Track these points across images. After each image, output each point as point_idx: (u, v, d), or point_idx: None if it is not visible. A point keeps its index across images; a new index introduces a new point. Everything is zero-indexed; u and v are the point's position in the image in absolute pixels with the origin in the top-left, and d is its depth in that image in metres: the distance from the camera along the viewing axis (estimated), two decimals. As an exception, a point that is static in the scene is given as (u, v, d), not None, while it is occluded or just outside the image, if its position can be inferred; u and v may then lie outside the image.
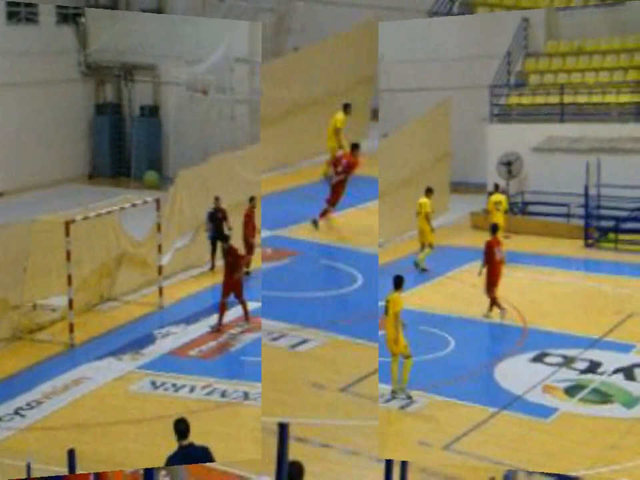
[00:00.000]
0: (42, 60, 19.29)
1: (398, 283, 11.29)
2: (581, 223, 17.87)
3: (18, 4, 19.11)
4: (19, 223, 13.17)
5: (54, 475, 8.82)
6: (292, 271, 14.91)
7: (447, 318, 13.58)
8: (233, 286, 13.10)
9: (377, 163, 17.01)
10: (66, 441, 9.88)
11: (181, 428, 8.05)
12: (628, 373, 12.24)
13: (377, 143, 18.38)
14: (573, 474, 9.96)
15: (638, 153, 18.01)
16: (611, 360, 12.54)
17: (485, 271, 13.80)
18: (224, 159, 16.16)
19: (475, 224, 17.93)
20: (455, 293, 14.64)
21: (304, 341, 12.84)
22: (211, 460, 8.20)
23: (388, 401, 11.18)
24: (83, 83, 20.33)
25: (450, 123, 18.34)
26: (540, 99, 19.70)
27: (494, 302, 13.81)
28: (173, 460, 8.07)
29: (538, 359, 12.56)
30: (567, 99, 19.21)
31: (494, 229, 14.38)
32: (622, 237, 17.52)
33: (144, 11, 21.93)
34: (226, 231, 14.41)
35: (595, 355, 12.72)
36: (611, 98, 18.97)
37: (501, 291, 14.02)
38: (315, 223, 15.94)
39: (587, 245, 17.66)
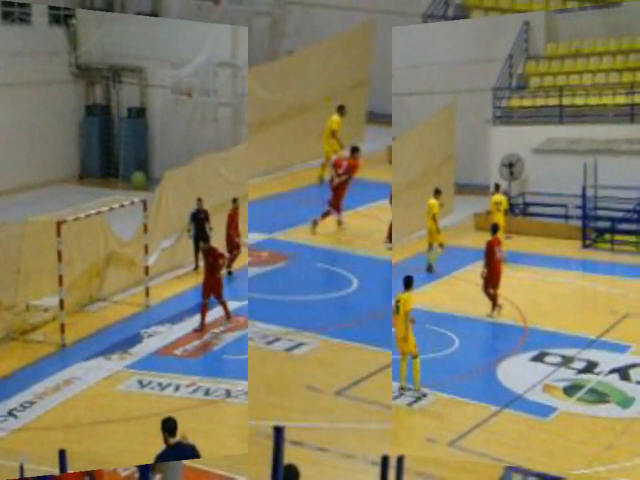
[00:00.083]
0: (34, 60, 19.47)
1: (408, 283, 11.56)
2: (579, 223, 18.10)
3: (12, 4, 19.09)
4: (13, 224, 13.35)
5: (46, 474, 8.95)
6: (288, 274, 14.99)
7: (452, 317, 13.82)
8: (213, 286, 13.28)
9: (373, 167, 17.33)
10: (57, 441, 10.03)
11: (169, 426, 8.22)
12: (623, 373, 12.40)
13: (372, 146, 18.32)
14: (573, 473, 10.06)
15: (633, 154, 18.03)
16: (607, 360, 12.71)
17: (485, 269, 14.06)
18: (208, 160, 16.44)
19: (479, 225, 18.22)
20: (460, 292, 14.88)
21: (299, 345, 12.89)
22: (197, 457, 8.38)
23: (396, 397, 11.44)
24: (74, 84, 20.49)
25: (455, 126, 18.46)
26: (540, 101, 19.91)
27: (491, 299, 14.06)
28: (162, 458, 8.21)
29: (538, 358, 12.78)
30: (566, 100, 19.28)
31: (494, 229, 14.63)
32: (617, 237, 17.80)
33: (138, 13, 21.92)
34: (207, 232, 14.58)
35: (591, 355, 12.90)
36: (607, 99, 19.00)
37: (503, 290, 14.26)
38: (314, 224, 15.98)
39: (585, 246, 17.91)
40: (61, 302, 12.96)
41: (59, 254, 12.82)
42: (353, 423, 11.19)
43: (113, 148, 20.41)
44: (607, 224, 18.14)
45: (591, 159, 18.13)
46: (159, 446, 8.35)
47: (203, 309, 13.36)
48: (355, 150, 16.46)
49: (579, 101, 19.63)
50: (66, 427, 10.79)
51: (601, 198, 18.19)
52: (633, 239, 17.81)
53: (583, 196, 17.95)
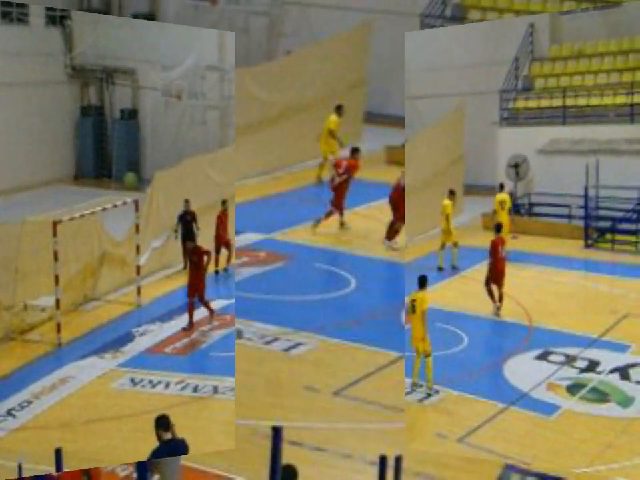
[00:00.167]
0: (31, 61, 19.67)
1: (422, 282, 11.75)
2: (582, 223, 18.33)
3: (11, 4, 19.14)
4: (11, 223, 13.50)
5: (43, 473, 9.04)
6: (286, 274, 15.02)
7: (461, 315, 14.01)
8: (198, 285, 13.46)
9: (371, 167, 17.45)
10: (54, 439, 10.12)
11: (163, 423, 8.50)
12: (623, 372, 12.54)
13: (370, 146, 18.31)
14: (575, 472, 10.18)
15: (633, 154, 18.10)
16: (608, 359, 12.85)
17: (489, 266, 14.37)
18: (196, 162, 16.68)
19: (487, 225, 18.42)
20: (469, 291, 15.05)
21: (297, 345, 12.91)
22: (187, 452, 8.62)
23: (408, 393, 11.64)
24: (69, 85, 20.58)
25: (464, 128, 18.78)
26: (544, 102, 20.10)
27: (491, 296, 14.25)
28: (157, 454, 8.44)
29: (542, 357, 12.97)
30: (569, 101, 19.54)
31: (498, 228, 14.90)
32: (618, 237, 18.03)
33: (135, 14, 21.98)
34: (194, 232, 14.94)
35: (593, 354, 13.04)
36: (608, 100, 19.09)
37: (509, 290, 14.52)
38: (317, 223, 16.13)
39: (587, 246, 18.12)
40: (57, 301, 13.10)
41: (55, 254, 12.97)
42: (351, 423, 11.23)
43: (107, 149, 20.61)
44: (608, 224, 18.33)
45: (593, 159, 18.25)
46: (152, 443, 8.51)
47: (190, 307, 13.61)
48: (355, 150, 16.59)
49: (581, 101, 19.76)
50: (62, 425, 10.90)
51: (603, 198, 18.29)
52: (633, 238, 17.91)
53: (585, 196, 18.14)
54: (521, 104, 20.39)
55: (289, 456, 6.38)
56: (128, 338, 13.20)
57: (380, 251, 15.88)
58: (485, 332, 14.00)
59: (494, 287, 14.25)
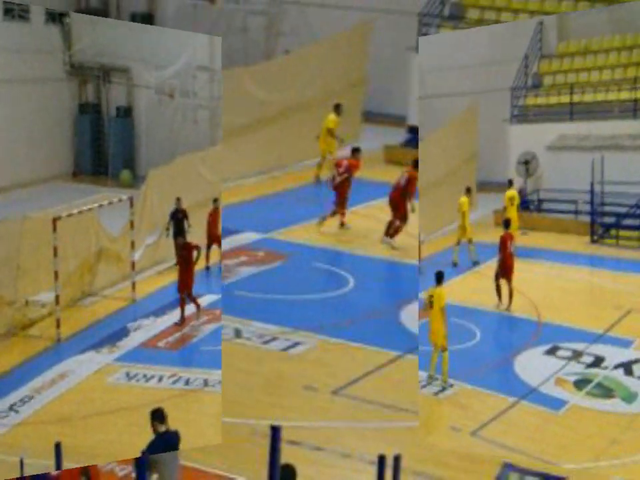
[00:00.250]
0: (31, 58, 19.78)
1: (439, 278, 12.04)
2: (589, 219, 18.49)
3: (13, 2, 19.18)
4: (11, 220, 13.64)
5: (43, 472, 9.08)
6: (284, 273, 15.04)
7: (474, 310, 14.19)
8: (187, 280, 13.66)
9: (370, 166, 17.50)
10: (53, 434, 10.27)
11: (159, 415, 8.79)
12: (627, 368, 12.66)
13: (369, 145, 18.31)
14: (574, 468, 10.25)
15: (636, 149, 18.21)
16: (613, 355, 12.96)
17: (498, 262, 14.60)
18: (188, 160, 16.88)
19: (498, 221, 18.48)
20: (481, 286, 15.17)
21: (296, 344, 12.92)
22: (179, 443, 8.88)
23: (424, 386, 11.86)
24: (68, 82, 20.65)
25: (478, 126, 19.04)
26: (553, 99, 20.19)
27: (498, 291, 14.48)
28: (154, 445, 8.74)
29: (551, 352, 13.13)
30: (575, 97, 19.75)
31: (506, 224, 15.15)
32: (622, 233, 18.16)
33: (134, 13, 21.88)
34: (186, 229, 15.18)
35: (599, 349, 13.17)
36: (612, 95, 19.21)
37: (520, 285, 14.70)
38: (322, 220, 16.25)
39: (593, 241, 18.23)
40: (57, 297, 13.27)
41: (55, 250, 13.14)
42: (350, 422, 11.24)
43: (103, 146, 20.69)
44: (612, 220, 18.45)
45: (598, 155, 18.35)
46: (147, 436, 8.71)
47: (181, 303, 13.84)
48: (356, 150, 16.67)
49: (588, 97, 19.85)
50: (61, 420, 11.05)
51: (608, 194, 18.40)
52: (636, 234, 18.02)
53: (591, 192, 18.27)
54: (530, 101, 20.56)
55: (287, 455, 6.38)
56: (123, 333, 13.39)
57: (379, 250, 15.90)
58: (497, 327, 14.28)
59: (503, 282, 14.46)
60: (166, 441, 8.79)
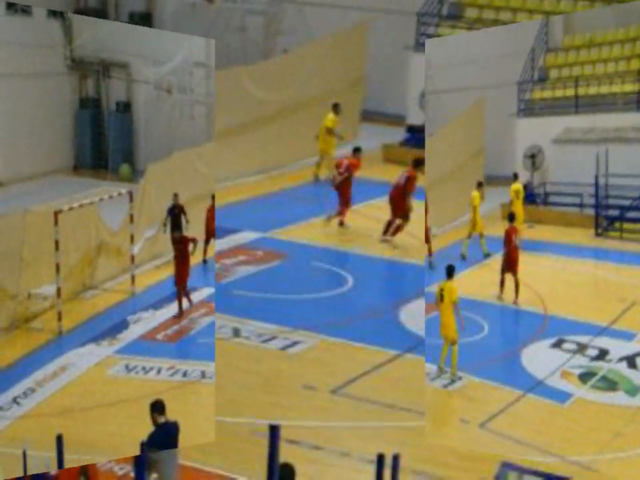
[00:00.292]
0: (34, 52, 19.82)
1: (450, 272, 12.20)
2: (593, 212, 18.51)
3: None
4: (14, 214, 13.75)
5: (46, 460, 9.16)
6: (283, 272, 15.05)
7: (482, 303, 14.25)
8: (183, 274, 13.83)
9: (369, 165, 17.48)
10: (55, 426, 10.32)
11: (159, 407, 8.98)
12: (631, 361, 12.68)
13: (367, 144, 18.32)
14: (575, 459, 10.34)
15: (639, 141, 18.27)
16: (616, 348, 12.98)
17: (503, 255, 14.73)
18: (185, 155, 16.95)
19: (505, 215, 18.70)
20: (489, 279, 15.19)
21: (295, 343, 12.91)
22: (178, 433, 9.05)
23: (433, 379, 11.95)
24: (69, 77, 20.67)
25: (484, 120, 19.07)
26: (558, 92, 20.23)
27: (502, 283, 14.63)
28: (154, 436, 8.92)
29: (557, 345, 13.18)
30: (580, 90, 19.75)
31: (511, 217, 15.27)
32: (626, 226, 18.15)
33: (132, 13, 21.88)
34: (183, 224, 15.30)
35: (603, 342, 13.20)
36: (616, 88, 19.25)
37: (526, 278, 14.76)
38: (328, 218, 16.37)
39: (597, 234, 18.22)
40: (58, 290, 13.38)
41: (57, 243, 13.24)
42: (349, 422, 11.21)
43: (103, 140, 20.75)
44: (616, 212, 18.41)
45: (603, 147, 18.37)
46: (147, 428, 8.85)
47: (179, 296, 13.97)
48: (357, 150, 16.80)
49: (592, 90, 19.88)
50: (62, 412, 11.12)
51: (612, 186, 18.41)
52: (639, 227, 17.99)
53: (596, 185, 18.27)
54: (537, 95, 20.57)
55: (286, 454, 6.36)
56: (123, 325, 13.48)
57: (378, 249, 15.91)
58: (504, 320, 14.40)
59: (509, 275, 14.54)
60: (165, 432, 8.97)
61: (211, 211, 15.71)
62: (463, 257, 16.12)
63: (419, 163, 16.20)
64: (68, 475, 8.89)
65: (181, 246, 14.04)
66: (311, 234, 16.19)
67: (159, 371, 12.16)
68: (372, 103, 20.47)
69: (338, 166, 16.65)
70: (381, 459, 6.29)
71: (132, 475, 9.62)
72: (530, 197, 18.77)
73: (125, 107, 20.73)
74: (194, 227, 15.42)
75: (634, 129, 18.67)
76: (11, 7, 19.19)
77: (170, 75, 19.26)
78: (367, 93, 20.36)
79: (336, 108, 18.00)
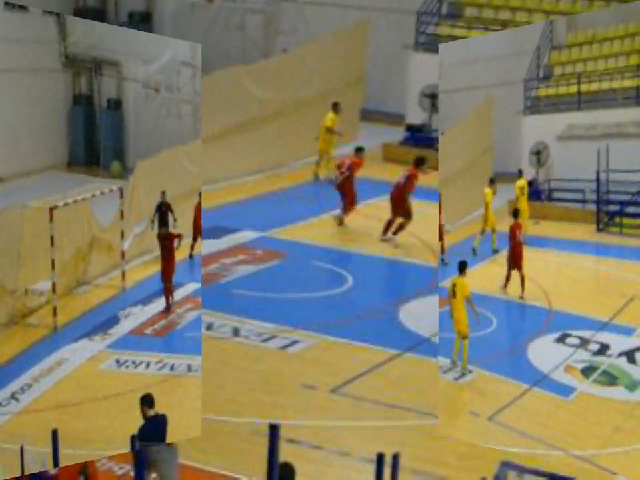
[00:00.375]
0: (30, 48, 19.76)
1: (462, 268, 12.35)
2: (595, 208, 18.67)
3: None
4: (12, 210, 13.81)
5: (43, 455, 9.23)
6: (283, 271, 15.08)
7: (491, 298, 14.42)
8: (169, 270, 14.00)
9: (369, 164, 17.38)
10: (51, 421, 10.39)
11: (148, 400, 9.21)
12: (630, 356, 12.79)
13: (367, 143, 18.36)
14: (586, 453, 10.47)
15: (639, 137, 18.34)
16: (617, 343, 13.10)
17: (508, 250, 14.92)
18: (172, 153, 17.09)
19: (512, 211, 18.72)
20: (498, 275, 15.30)
21: (295, 342, 12.91)
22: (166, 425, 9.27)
23: (446, 371, 12.14)
24: (63, 73, 20.70)
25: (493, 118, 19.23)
26: (562, 89, 20.33)
27: (507, 278, 14.77)
28: (144, 429, 9.13)
29: (561, 339, 13.32)
30: (583, 87, 19.89)
31: (515, 213, 15.45)
32: (625, 221, 18.31)
33: (132, 12, 21.87)
34: (170, 221, 15.46)
35: (604, 337, 13.31)
36: (616, 84, 19.33)
37: (532, 274, 14.88)
38: (340, 220, 16.50)
39: (599, 230, 18.37)
40: (54, 286, 13.47)
41: (52, 239, 13.34)
42: (349, 421, 11.21)
43: (95, 137, 20.83)
44: (616, 208, 18.53)
45: (604, 143, 18.46)
46: (136, 421, 9.07)
47: (166, 292, 14.13)
48: (359, 149, 16.88)
49: (594, 86, 19.95)
50: (57, 407, 11.23)
51: (613, 182, 18.48)
52: (637, 222, 18.10)
53: (597, 180, 18.37)
54: (542, 92, 20.69)
55: (286, 454, 6.35)
56: (114, 320, 13.62)
57: (378, 248, 15.93)
58: (511, 314, 14.57)
59: (514, 271, 14.69)
60: (155, 425, 9.20)
61: (199, 208, 15.78)
62: (474, 251, 16.23)
63: (420, 162, 16.21)
64: (67, 475, 8.89)
65: (167, 242, 14.21)
66: (310, 233, 16.23)
67: (147, 365, 12.35)
68: (372, 102, 20.50)
69: (340, 166, 16.69)
70: (380, 458, 6.28)
71: (132, 474, 9.61)
72: (536, 193, 18.92)
73: (116, 105, 20.88)
74: (181, 224, 15.58)
75: (634, 124, 18.77)
76: (8, 2, 19.20)
77: (158, 73, 19.50)
78: (366, 92, 20.36)
79: (336, 107, 18.08)
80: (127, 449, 9.02)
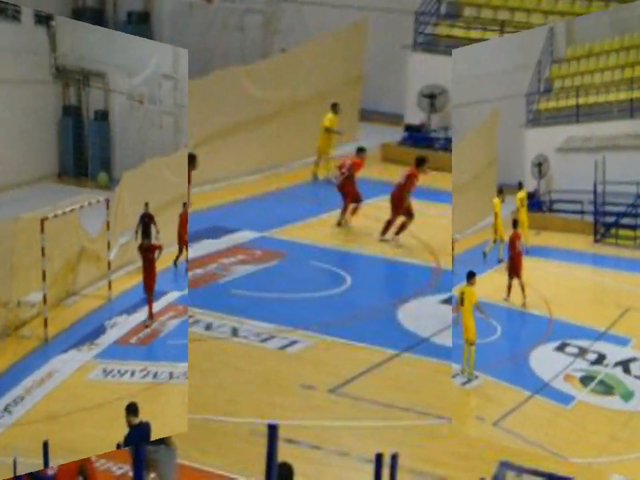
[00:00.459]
0: (22, 58, 19.68)
1: (469, 277, 12.65)
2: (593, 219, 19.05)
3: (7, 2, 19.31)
4: (5, 221, 13.86)
5: (35, 467, 9.04)
6: (281, 271, 15.12)
7: (495, 306, 14.52)
8: (150, 281, 14.10)
9: (367, 165, 17.42)
10: (42, 433, 10.40)
11: (133, 409, 9.40)
12: (625, 366, 12.97)
13: (365, 143, 18.40)
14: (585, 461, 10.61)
15: (634, 149, 18.47)
16: (613, 353, 13.28)
17: (508, 260, 15.20)
18: (156, 163, 17.30)
19: None
20: (501, 283, 15.41)
21: (293, 342, 12.93)
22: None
23: (454, 376, 12.30)
24: (54, 85, 20.83)
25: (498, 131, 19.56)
26: (562, 102, 20.49)
27: (508, 287, 14.98)
28: (130, 437, 9.31)
29: (560, 348, 13.52)
30: (581, 100, 20.21)
31: (515, 224, 15.76)
32: (621, 232, 18.60)
33: (130, 13, 21.87)
34: (153, 233, 15.56)
35: (601, 347, 13.48)
36: (612, 96, 19.48)
37: (535, 284, 15.13)
38: (353, 211, 16.65)
39: (596, 241, 18.65)
40: (44, 297, 13.47)
41: (43, 250, 13.36)
42: (348, 421, 11.23)
43: (84, 148, 21.00)
44: (612, 219, 18.80)
45: (600, 155, 18.63)
46: (122, 429, 9.22)
47: (149, 302, 14.20)
48: (360, 150, 16.98)
49: (591, 99, 20.13)
50: (49, 418, 11.23)
51: (611, 194, 18.74)
52: (632, 233, 18.34)
53: (594, 192, 18.63)
54: (543, 105, 20.97)
55: (284, 454, 6.35)
56: (101, 330, 13.67)
57: (377, 248, 15.97)
58: (515, 323, 14.80)
59: (514, 280, 14.94)
60: (140, 433, 9.34)
61: (183, 218, 15.85)
62: (485, 255, 16.49)
63: (421, 162, 16.23)
64: (66, 475, 8.89)
65: (149, 254, 14.29)
66: (309, 233, 16.29)
67: (132, 374, 12.43)
68: (370, 102, 20.54)
69: (341, 166, 16.76)
70: (379, 458, 6.28)
71: (130, 474, 9.62)
72: (537, 204, 19.21)
73: (103, 116, 21.12)
74: (164, 233, 15.71)
75: (628, 137, 18.97)
76: (1, 12, 19.25)
77: (142, 85, 19.74)
78: (365, 92, 20.40)
79: (335, 108, 18.19)
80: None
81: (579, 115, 20.09)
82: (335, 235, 16.41)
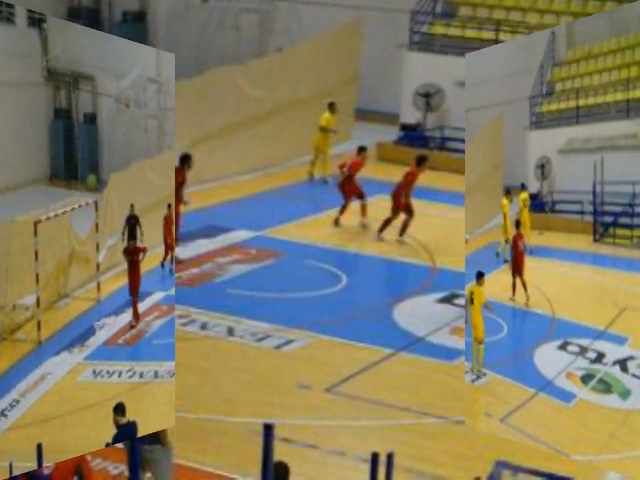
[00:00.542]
0: (15, 61, 19.84)
1: (479, 277, 12.83)
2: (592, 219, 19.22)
3: (1, 3, 19.23)
4: (1, 224, 13.84)
5: (30, 470, 9.08)
6: (277, 271, 15.13)
7: (501, 305, 14.59)
8: (135, 283, 14.14)
9: (364, 165, 17.36)
10: (37, 435, 10.41)
11: (121, 409, 9.49)
12: (622, 365, 13.01)
13: (361, 143, 18.33)
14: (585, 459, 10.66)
15: (630, 149, 18.59)
16: (611, 351, 13.32)
17: (511, 260, 15.35)
18: (141, 166, 17.39)
19: None
20: (505, 283, 15.49)
21: (289, 341, 12.93)
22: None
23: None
24: (45, 87, 20.88)
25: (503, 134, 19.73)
26: (563, 104, 20.65)
27: (513, 286, 15.09)
28: (118, 437, 9.44)
29: (562, 347, 13.59)
30: (580, 101, 20.18)
31: (517, 224, 15.93)
32: (619, 232, 18.64)
33: (126, 12, 21.84)
34: (138, 235, 15.59)
35: (600, 345, 13.52)
36: (609, 97, 19.62)
37: (538, 283, 15.23)
38: (364, 225, 16.69)
39: (595, 240, 18.72)
40: (38, 300, 13.44)
41: (36, 253, 13.35)
42: (344, 420, 11.22)
43: (74, 151, 21.09)
44: (610, 219, 18.80)
45: (599, 156, 18.78)
46: (111, 430, 9.31)
47: (134, 304, 14.21)
48: (361, 149, 17.06)
49: (590, 100, 20.27)
50: (42, 421, 11.22)
51: (609, 193, 18.90)
52: (628, 233, 18.42)
53: (593, 193, 18.68)
54: (544, 107, 21.14)
55: (281, 453, 6.36)
56: (90, 332, 13.67)
57: (372, 248, 15.98)
58: (520, 321, 14.91)
59: (517, 279, 15.09)
60: (128, 432, 9.43)
61: (166, 219, 15.88)
62: (497, 255, 16.61)
63: (421, 161, 16.24)
64: (62, 475, 8.88)
65: (134, 256, 14.33)
66: (305, 233, 16.33)
67: (120, 374, 12.50)
68: (366, 102, 20.54)
69: (342, 166, 16.82)
70: (375, 457, 6.25)
71: (126, 474, 9.58)
72: (540, 205, 19.35)
73: (91, 119, 21.19)
74: (150, 235, 15.78)
75: (625, 137, 19.12)
76: (-2, 15, 19.26)
77: (128, 89, 19.93)
78: (360, 91, 20.41)
79: (332, 107, 18.23)
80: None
81: (579, 116, 20.27)
82: (331, 234, 16.44)
